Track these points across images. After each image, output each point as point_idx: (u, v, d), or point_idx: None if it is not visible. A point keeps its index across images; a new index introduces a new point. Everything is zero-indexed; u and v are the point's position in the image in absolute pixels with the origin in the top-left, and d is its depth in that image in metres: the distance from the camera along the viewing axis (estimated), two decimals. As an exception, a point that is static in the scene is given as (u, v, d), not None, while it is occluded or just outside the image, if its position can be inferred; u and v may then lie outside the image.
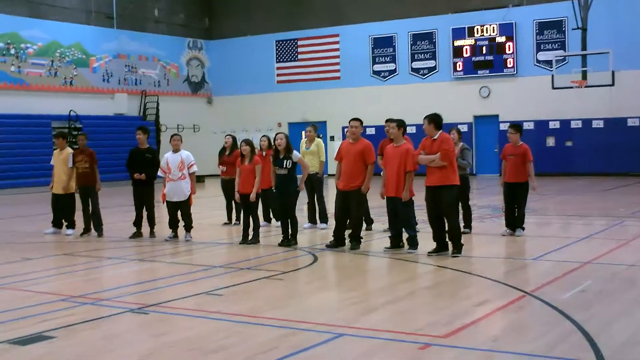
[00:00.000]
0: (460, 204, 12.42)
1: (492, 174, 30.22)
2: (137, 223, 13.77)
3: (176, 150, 13.36)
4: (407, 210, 11.19)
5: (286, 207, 12.26)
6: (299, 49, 36.27)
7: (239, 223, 14.07)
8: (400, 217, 11.19)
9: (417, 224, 11.71)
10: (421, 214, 13.03)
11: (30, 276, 9.99)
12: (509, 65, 31.38)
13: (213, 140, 34.39)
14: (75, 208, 14.51)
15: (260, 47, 37.03)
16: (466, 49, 32.16)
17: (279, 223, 12.84)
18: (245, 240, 12.52)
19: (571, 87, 27.63)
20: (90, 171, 14.21)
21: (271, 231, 14.11)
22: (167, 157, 13.35)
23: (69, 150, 14.54)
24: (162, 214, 14.63)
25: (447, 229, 10.89)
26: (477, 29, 31.87)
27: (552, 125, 30.63)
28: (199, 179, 28.67)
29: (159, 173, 13.54)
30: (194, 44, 37.97)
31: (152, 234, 13.69)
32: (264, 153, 13.61)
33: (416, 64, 33.58)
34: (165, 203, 13.41)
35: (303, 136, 15.39)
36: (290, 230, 12.23)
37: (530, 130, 29.45)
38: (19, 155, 28.63)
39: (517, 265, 10.51)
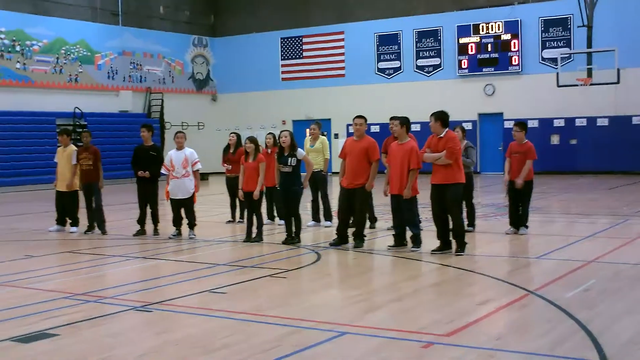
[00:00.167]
0: (464, 202, 12.40)
1: (496, 172, 30.16)
2: (141, 221, 13.78)
3: (180, 147, 13.36)
4: (411, 208, 11.18)
5: (290, 205, 12.26)
6: (304, 46, 36.24)
7: (243, 221, 14.08)
8: (404, 215, 11.18)
9: (420, 222, 11.69)
10: (425, 212, 13.03)
11: (34, 274, 10.01)
12: (514, 63, 31.31)
13: (217, 138, 34.35)
14: (78, 205, 14.52)
15: (265, 44, 37.02)
16: (471, 46, 32.10)
17: (282, 221, 12.84)
18: (249, 238, 12.52)
19: (576, 85, 27.54)
20: (93, 168, 14.22)
21: (275, 229, 14.11)
22: (171, 155, 13.35)
23: (73, 147, 14.55)
24: (166, 211, 14.64)
25: (451, 227, 10.88)
26: (482, 26, 31.81)
27: (556, 123, 30.56)
28: (202, 177, 28.66)
29: (162, 171, 13.53)
30: (199, 41, 37.98)
31: (156, 231, 13.70)
32: (269, 151, 13.60)
33: (421, 62, 33.53)
34: (169, 200, 13.42)
35: (307, 134, 15.38)
36: (294, 228, 12.23)
37: (534, 128, 29.35)
38: (23, 152, 28.66)
39: (520, 263, 10.50)
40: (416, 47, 33.59)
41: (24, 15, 30.22)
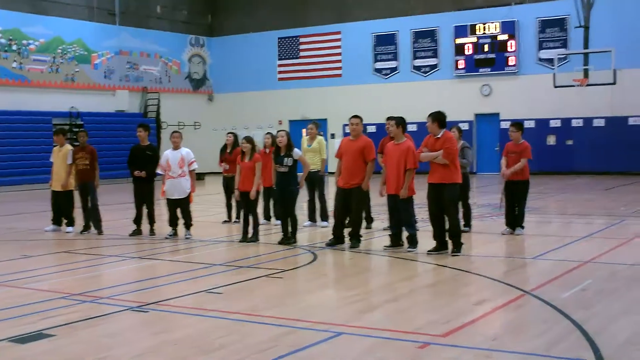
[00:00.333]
0: (460, 202, 12.40)
1: (492, 172, 30.18)
2: (137, 221, 13.77)
3: (176, 147, 13.34)
4: (408, 208, 11.18)
5: (286, 205, 12.26)
6: (301, 46, 36.25)
7: (239, 221, 14.07)
8: (401, 216, 11.18)
9: (417, 222, 11.69)
10: (421, 213, 13.03)
11: (30, 273, 9.99)
12: (510, 64, 31.34)
13: (214, 138, 34.32)
14: (74, 205, 14.50)
15: (262, 44, 37.00)
16: (468, 46, 32.12)
17: (278, 221, 12.84)
18: (245, 238, 12.51)
19: (573, 86, 27.57)
20: (89, 168, 14.21)
21: (271, 229, 14.10)
22: (168, 155, 13.33)
23: (69, 147, 14.54)
24: (162, 211, 14.63)
25: (447, 227, 10.88)
26: (479, 26, 31.83)
27: (553, 123, 30.60)
28: (199, 177, 28.64)
29: (158, 170, 13.52)
30: (195, 41, 37.95)
31: (152, 231, 13.68)
32: (267, 150, 13.58)
33: (418, 62, 33.56)
34: (165, 199, 13.41)
35: (304, 134, 15.38)
36: (290, 228, 12.22)
37: (531, 129, 29.40)
38: (19, 152, 28.60)
39: (516, 264, 10.51)
40: (413, 47, 33.61)
41: (20, 14, 30.16)
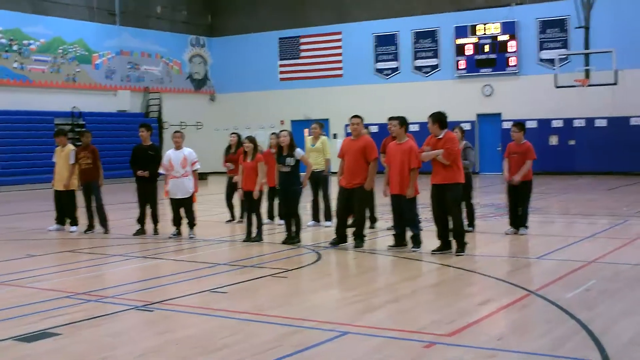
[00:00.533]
0: (463, 202, 12.40)
1: (495, 173, 30.18)
2: (141, 220, 13.78)
3: (178, 147, 13.34)
4: (412, 208, 11.18)
5: (289, 205, 12.27)
6: (302, 47, 36.25)
7: (243, 220, 14.08)
8: (405, 215, 11.18)
9: (420, 222, 11.69)
10: (425, 212, 13.04)
11: (34, 273, 10.01)
12: (511, 64, 31.34)
13: (215, 138, 34.39)
14: (76, 205, 14.51)
15: (263, 44, 37.01)
16: (469, 47, 32.11)
17: (282, 221, 12.84)
18: (248, 237, 12.52)
19: (574, 86, 27.58)
20: (93, 167, 14.22)
21: (275, 229, 14.10)
22: (170, 155, 13.33)
23: (70, 147, 14.55)
24: (165, 211, 14.64)
25: (451, 227, 10.88)
26: (480, 27, 31.82)
27: (554, 124, 30.59)
28: (201, 177, 28.65)
29: (161, 170, 13.51)
30: (196, 41, 37.96)
31: (155, 231, 13.69)
32: (272, 150, 13.57)
33: (419, 62, 33.56)
34: (168, 199, 13.42)
35: (305, 134, 15.38)
36: (293, 228, 12.23)
37: (533, 129, 29.38)
38: (21, 151, 28.62)
39: (520, 264, 10.51)
40: (414, 47, 33.61)
41: (21, 14, 30.18)
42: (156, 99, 34.99)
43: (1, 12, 29.45)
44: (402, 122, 11.33)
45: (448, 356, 5.93)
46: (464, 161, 12.32)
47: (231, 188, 15.14)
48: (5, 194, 25.57)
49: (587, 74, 27.66)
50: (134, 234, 13.63)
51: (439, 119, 10.92)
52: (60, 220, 14.60)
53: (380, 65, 34.40)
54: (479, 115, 32.25)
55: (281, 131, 12.56)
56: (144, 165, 13.63)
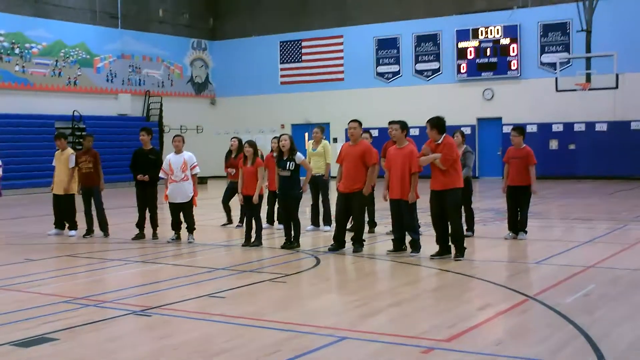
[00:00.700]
0: (462, 207, 12.38)
1: (495, 177, 30.18)
2: (140, 224, 13.76)
3: (178, 151, 13.34)
4: (412, 212, 11.17)
5: (289, 209, 12.26)
6: (303, 50, 36.26)
7: (242, 225, 14.07)
8: (404, 220, 11.17)
9: (420, 226, 11.69)
10: (424, 217, 13.03)
11: (33, 277, 10.00)
12: (512, 68, 31.34)
13: (216, 142, 34.44)
14: (76, 209, 14.50)
15: (264, 48, 37.02)
16: (470, 50, 32.13)
17: (281, 225, 12.83)
18: (248, 242, 12.51)
19: (575, 90, 27.56)
20: (93, 171, 14.20)
21: (274, 233, 14.10)
22: (170, 159, 13.32)
23: (70, 150, 14.55)
24: (165, 215, 14.63)
25: (450, 232, 10.87)
26: (482, 30, 31.84)
27: (555, 128, 30.60)
28: (201, 181, 28.66)
29: (161, 174, 13.50)
30: (198, 45, 38.00)
31: (154, 235, 13.68)
32: (274, 154, 13.58)
33: (420, 66, 33.56)
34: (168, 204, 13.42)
35: (306, 138, 15.38)
36: (293, 232, 12.22)
37: (533, 133, 29.41)
38: (22, 155, 28.60)
39: (519, 268, 10.50)
40: (415, 51, 33.62)
41: (23, 17, 30.22)
42: (157, 102, 35.00)
43: (3, 16, 29.50)
44: (403, 126, 11.33)
45: (446, 362, 5.93)
46: (463, 170, 12.27)
47: (230, 191, 15.13)
48: (5, 197, 25.52)
49: (588, 77, 27.63)
50: (133, 239, 13.62)
51: (437, 124, 10.91)
52: (59, 225, 14.59)
53: (382, 69, 34.41)
54: (479, 119, 32.25)
55: (282, 135, 12.55)
56: (144, 169, 13.62)
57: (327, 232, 13.88)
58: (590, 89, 27.43)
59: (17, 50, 29.88)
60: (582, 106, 29.56)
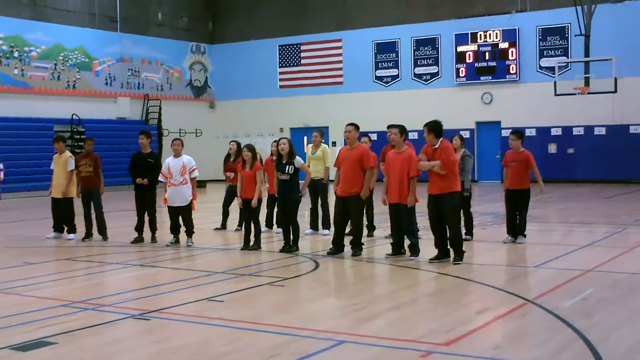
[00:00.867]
0: (461, 210, 12.38)
1: (493, 181, 30.20)
2: (139, 228, 13.76)
3: (177, 154, 13.34)
4: (411, 216, 11.17)
5: (288, 213, 12.26)
6: (302, 54, 36.28)
7: (241, 229, 14.07)
8: (403, 224, 11.17)
9: (418, 230, 11.69)
10: (423, 221, 13.03)
11: (31, 281, 9.99)
12: (511, 72, 31.37)
13: (215, 145, 34.42)
14: (74, 212, 14.49)
15: (263, 51, 37.04)
16: (469, 54, 32.15)
17: (280, 229, 12.83)
18: (246, 246, 12.51)
19: (574, 94, 27.55)
20: (94, 174, 14.20)
21: (273, 237, 14.09)
22: (169, 162, 13.32)
23: (68, 153, 14.54)
24: (163, 219, 14.62)
25: (448, 235, 10.87)
26: (480, 34, 31.87)
27: (554, 132, 30.62)
28: (200, 184, 28.67)
29: (160, 178, 13.50)
30: (197, 48, 38.01)
31: (153, 239, 13.68)
32: (274, 158, 13.58)
33: (419, 70, 33.59)
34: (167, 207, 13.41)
35: (305, 142, 15.39)
36: (291, 236, 12.22)
37: (532, 137, 29.44)
38: (21, 158, 28.58)
39: (518, 272, 10.50)
40: (414, 55, 33.64)
41: (22, 21, 30.22)
42: (156, 106, 34.99)
43: (2, 19, 29.49)
44: (402, 130, 11.34)
45: (445, 366, 5.93)
46: (461, 177, 12.22)
47: (230, 195, 15.13)
48: (4, 201, 25.54)
49: (587, 81, 27.63)
50: (132, 242, 13.61)
51: (434, 128, 10.90)
52: (57, 228, 14.58)
53: (380, 72, 34.43)
54: (478, 123, 32.26)
55: (280, 139, 12.55)
56: (143, 172, 13.62)
57: (326, 236, 13.87)
58: (588, 93, 27.43)
59: (16, 54, 29.88)
60: (580, 110, 29.59)
